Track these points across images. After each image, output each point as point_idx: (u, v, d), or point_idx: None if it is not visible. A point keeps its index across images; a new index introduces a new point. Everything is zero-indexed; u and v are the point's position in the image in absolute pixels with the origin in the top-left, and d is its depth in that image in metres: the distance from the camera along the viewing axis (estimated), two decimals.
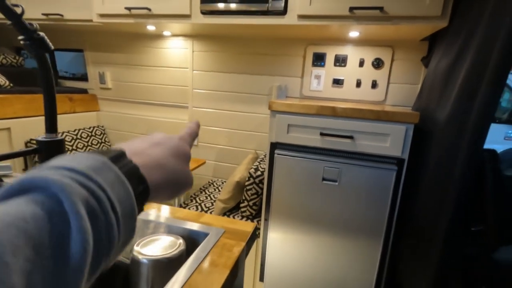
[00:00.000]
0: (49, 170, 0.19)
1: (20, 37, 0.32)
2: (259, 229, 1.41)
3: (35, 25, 0.33)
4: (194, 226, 0.61)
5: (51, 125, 0.37)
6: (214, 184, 1.87)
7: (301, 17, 1.25)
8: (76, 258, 0.17)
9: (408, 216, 1.21)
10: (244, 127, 1.86)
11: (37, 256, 0.15)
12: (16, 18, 0.31)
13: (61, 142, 0.39)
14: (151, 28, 1.64)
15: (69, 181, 0.18)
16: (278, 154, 1.24)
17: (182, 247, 0.54)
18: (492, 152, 0.93)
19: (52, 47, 0.34)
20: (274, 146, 1.26)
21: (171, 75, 1.94)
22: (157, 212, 0.67)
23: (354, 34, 1.41)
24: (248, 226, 0.61)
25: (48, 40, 0.33)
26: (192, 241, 0.59)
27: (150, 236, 0.58)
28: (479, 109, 0.84)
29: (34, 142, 1.68)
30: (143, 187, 0.24)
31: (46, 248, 0.16)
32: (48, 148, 0.36)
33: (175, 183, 0.28)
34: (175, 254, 0.53)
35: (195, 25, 1.47)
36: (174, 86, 1.95)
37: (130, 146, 0.27)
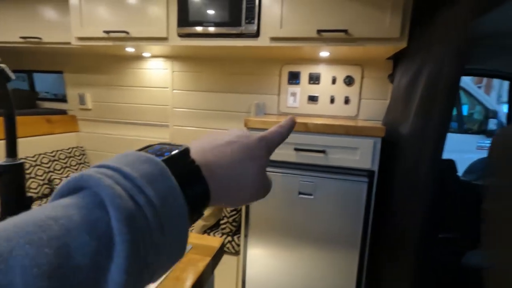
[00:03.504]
0: (101, 172, 0.16)
1: None
2: (238, 245, 1.41)
3: None
4: None
5: (11, 150, 0.39)
6: None
7: (273, 39, 1.33)
8: None
9: (382, 225, 1.25)
10: None
11: (60, 272, 0.12)
12: None
13: (21, 165, 0.40)
14: (130, 50, 1.68)
15: (120, 191, 0.15)
16: None
17: None
18: (450, 162, 0.99)
19: (13, 77, 0.36)
20: None
21: (151, 94, 1.97)
22: None
23: (324, 54, 1.49)
24: (215, 242, 0.62)
25: (8, 71, 0.36)
26: None
27: None
28: (434, 125, 0.91)
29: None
30: (202, 191, 0.21)
31: (75, 265, 0.13)
32: (8, 172, 0.38)
33: (239, 190, 0.25)
34: None
35: (174, 47, 1.52)
36: (155, 106, 1.97)
37: (198, 142, 0.25)
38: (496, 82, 6.08)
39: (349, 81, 1.63)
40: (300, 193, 1.24)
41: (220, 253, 0.62)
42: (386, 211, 1.21)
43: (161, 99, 1.95)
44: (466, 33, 0.83)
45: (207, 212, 1.43)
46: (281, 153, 1.24)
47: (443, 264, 1.09)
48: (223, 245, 0.63)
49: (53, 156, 1.91)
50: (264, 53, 1.58)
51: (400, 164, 1.14)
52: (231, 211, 1.39)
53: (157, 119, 1.99)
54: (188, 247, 0.60)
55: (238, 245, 1.41)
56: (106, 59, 2.00)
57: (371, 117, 1.65)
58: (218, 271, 1.46)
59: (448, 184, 1.00)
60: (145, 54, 1.84)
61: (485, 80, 6.35)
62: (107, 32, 1.47)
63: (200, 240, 0.63)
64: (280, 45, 1.33)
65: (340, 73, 1.64)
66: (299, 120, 1.30)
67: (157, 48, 1.62)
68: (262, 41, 1.34)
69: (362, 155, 1.17)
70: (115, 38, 1.51)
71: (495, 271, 0.52)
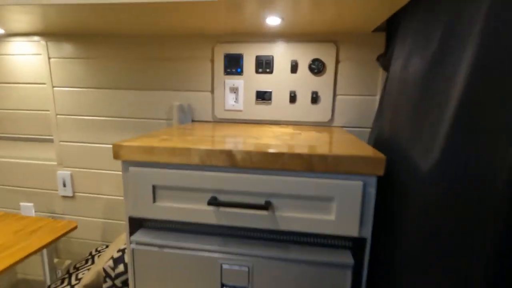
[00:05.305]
0: None
1: None
2: None
3: None
4: None
5: None
6: (99, 254, 1.23)
7: None
8: None
9: None
10: None
11: None
12: None
13: None
14: None
15: None
16: (139, 244, 0.66)
17: None
18: None
19: None
20: (135, 224, 0.68)
21: (21, 94, 1.28)
22: None
23: (275, 20, 0.89)
24: None
25: None
26: None
27: None
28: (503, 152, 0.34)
29: None
30: None
31: None
32: None
33: None
34: None
35: (40, 12, 0.85)
36: (28, 111, 1.29)
37: None
38: None
39: (317, 67, 1.05)
40: (223, 286, 0.65)
41: None
42: None
43: (37, 101, 1.27)
44: None
45: None
46: (187, 209, 0.64)
47: None
48: None
49: None
50: (180, 19, 0.95)
51: (415, 226, 0.57)
52: None
53: (34, 131, 1.31)
54: None
55: None
56: None
57: (353, 123, 1.08)
58: None
59: None
60: None
61: None
62: None
63: None
64: None
65: (304, 55, 1.05)
66: (219, 146, 0.71)
67: (15, 14, 0.94)
68: None
69: (341, 211, 0.59)
70: None
71: None
